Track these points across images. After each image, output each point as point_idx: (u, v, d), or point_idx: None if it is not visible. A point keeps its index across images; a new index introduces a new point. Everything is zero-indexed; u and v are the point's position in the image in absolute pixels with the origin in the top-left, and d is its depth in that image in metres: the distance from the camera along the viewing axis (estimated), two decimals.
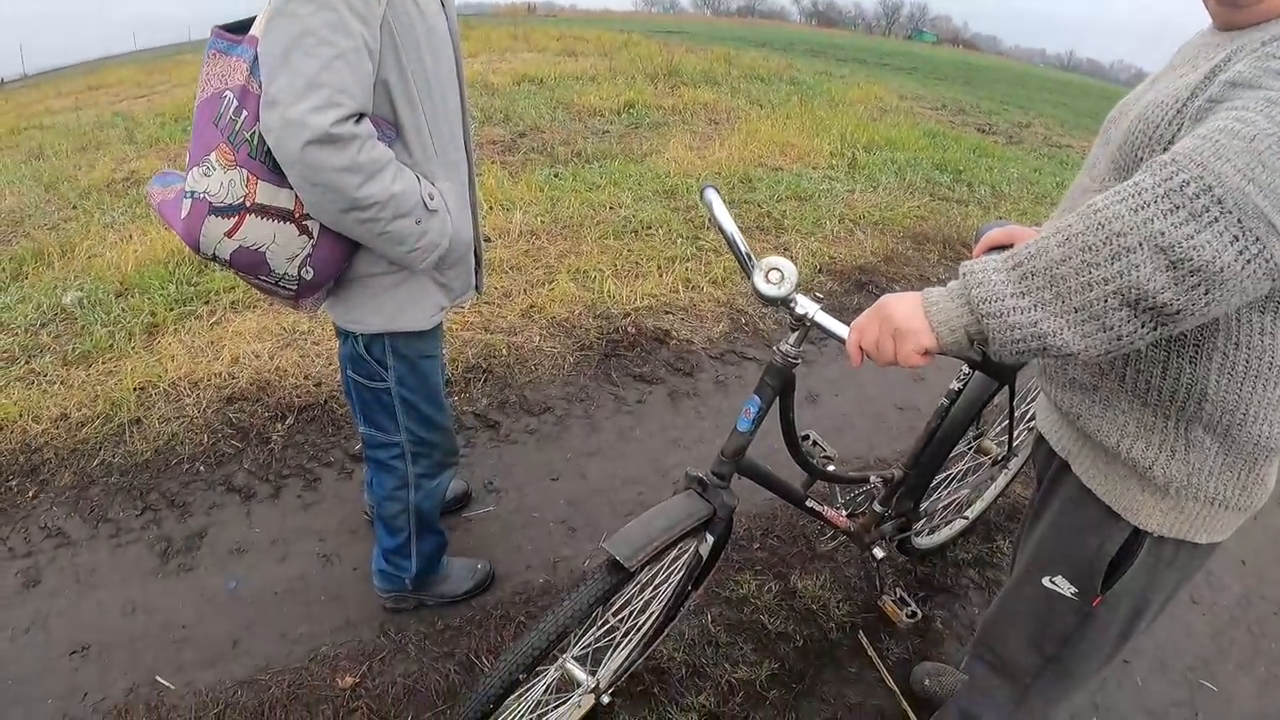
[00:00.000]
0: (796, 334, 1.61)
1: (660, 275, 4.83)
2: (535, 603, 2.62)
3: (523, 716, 1.91)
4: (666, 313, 4.45)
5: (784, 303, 1.53)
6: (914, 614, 2.41)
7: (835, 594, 2.75)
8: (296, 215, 1.69)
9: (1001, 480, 3.04)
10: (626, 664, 2.16)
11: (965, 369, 2.20)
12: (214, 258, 1.73)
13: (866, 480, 2.30)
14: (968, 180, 7.61)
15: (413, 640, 2.47)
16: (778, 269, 1.53)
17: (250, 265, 1.74)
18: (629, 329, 4.22)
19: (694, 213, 5.80)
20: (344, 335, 2.06)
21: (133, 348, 3.81)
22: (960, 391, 2.25)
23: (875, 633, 2.65)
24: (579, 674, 1.98)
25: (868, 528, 2.39)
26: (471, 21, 25.47)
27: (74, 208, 5.80)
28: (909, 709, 2.39)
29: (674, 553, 1.83)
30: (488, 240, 5.08)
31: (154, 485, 3.04)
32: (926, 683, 2.41)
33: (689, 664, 2.44)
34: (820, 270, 5.22)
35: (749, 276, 1.57)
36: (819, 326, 1.50)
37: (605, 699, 2.17)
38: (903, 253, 5.63)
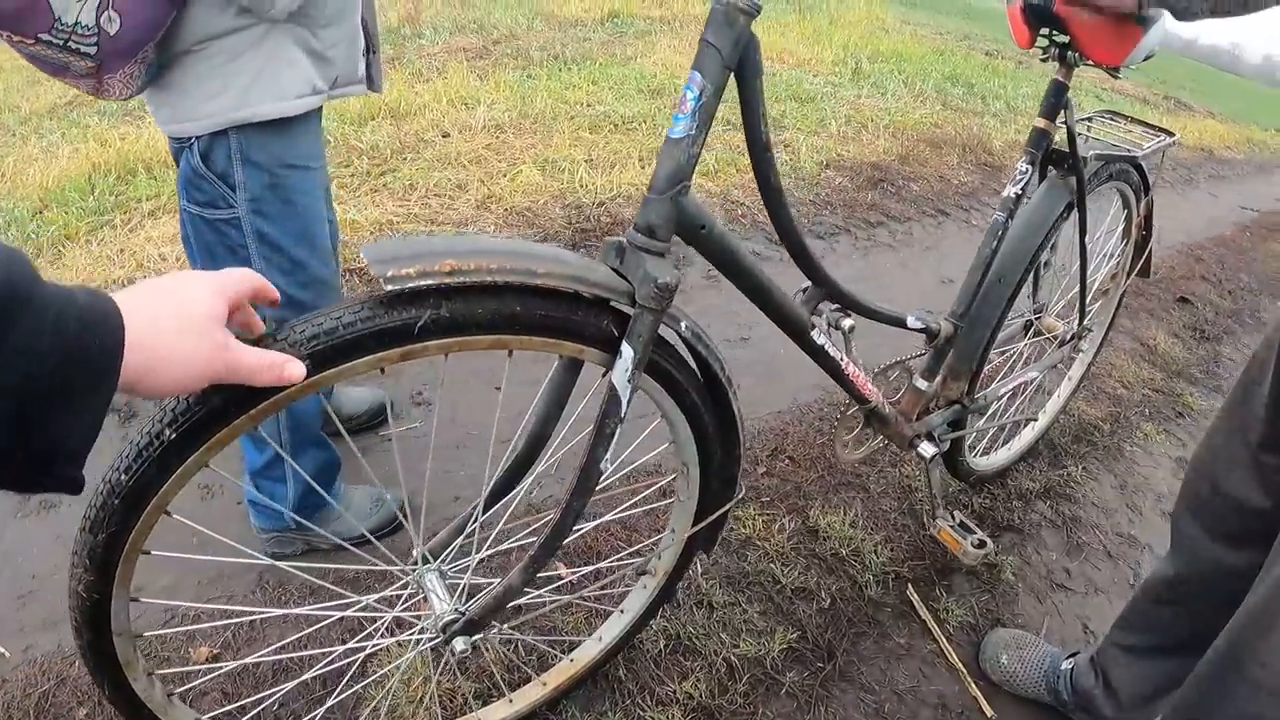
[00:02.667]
0: None
1: (642, 166, 4.23)
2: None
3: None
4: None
5: None
6: (981, 543, 1.83)
7: (871, 534, 2.15)
8: None
9: (1077, 369, 2.47)
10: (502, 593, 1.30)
11: (1023, 166, 1.72)
12: None
13: (901, 321, 1.66)
14: (981, 94, 7.13)
15: (293, 597, 1.84)
16: None
17: (22, 9, 1.14)
18: (602, 217, 3.60)
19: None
20: (177, 151, 1.45)
21: (40, 262, 3.23)
22: (1018, 201, 1.71)
23: (928, 586, 2.04)
24: (438, 600, 1.29)
25: (909, 414, 1.79)
26: None
27: (13, 134, 5.25)
28: (979, 696, 1.80)
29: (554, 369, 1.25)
30: (445, 135, 4.52)
31: None
32: (1003, 659, 1.86)
33: (670, 635, 1.81)
34: (827, 166, 4.69)
35: None
36: None
37: (462, 646, 1.27)
38: (919, 154, 5.11)
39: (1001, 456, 2.39)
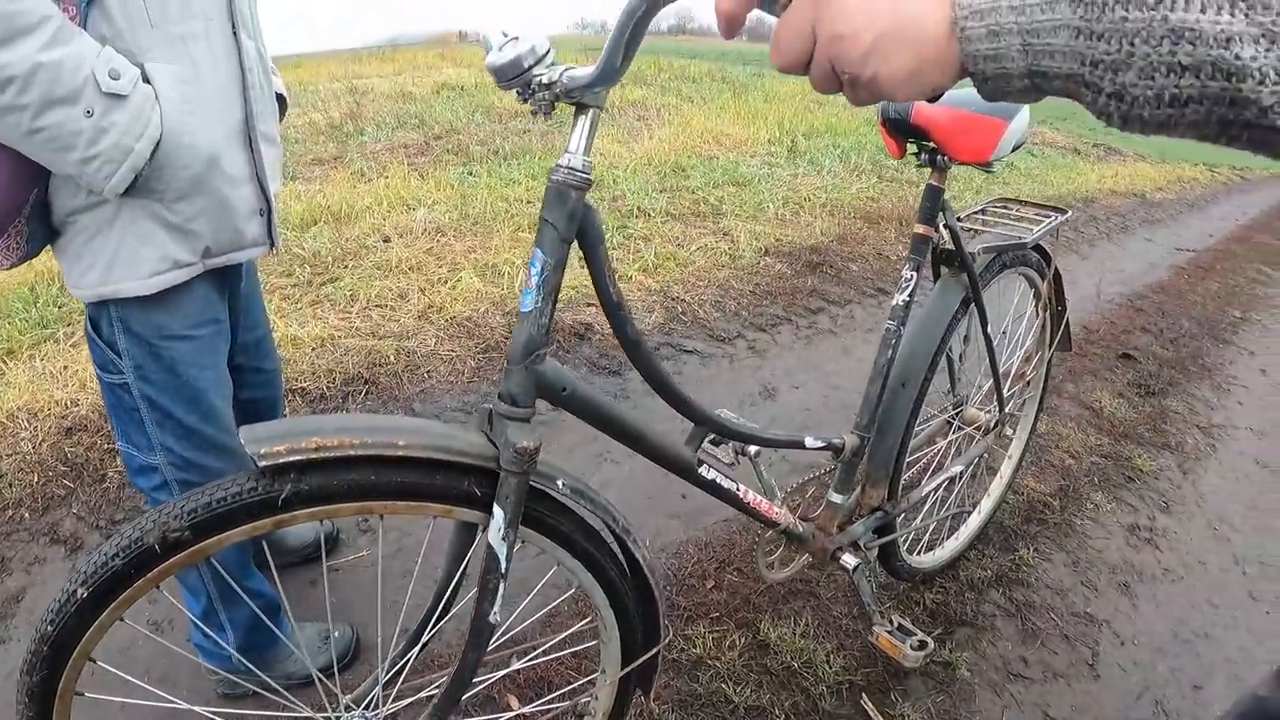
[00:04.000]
0: (578, 128, 1.03)
1: (582, 265, 4.17)
2: (423, 672, 1.92)
3: None
4: (589, 305, 3.83)
5: (519, 76, 1.00)
6: (922, 644, 1.81)
7: (823, 643, 2.11)
8: None
9: (1007, 466, 2.46)
10: None
11: (909, 274, 1.71)
12: None
13: (798, 444, 1.63)
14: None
15: None
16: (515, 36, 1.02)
17: None
18: None
19: (620, 202, 5.28)
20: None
21: None
22: (907, 307, 1.72)
23: (882, 692, 2.01)
24: None
25: (828, 529, 1.77)
26: (400, 45, 24.97)
27: None
28: None
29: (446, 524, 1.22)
30: (386, 240, 4.52)
31: None
32: None
33: None
34: (766, 253, 4.74)
35: None
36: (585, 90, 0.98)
37: None
38: (856, 232, 5.18)
39: (949, 549, 2.37)
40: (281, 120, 1.74)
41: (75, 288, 1.38)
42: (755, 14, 0.70)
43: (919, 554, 2.27)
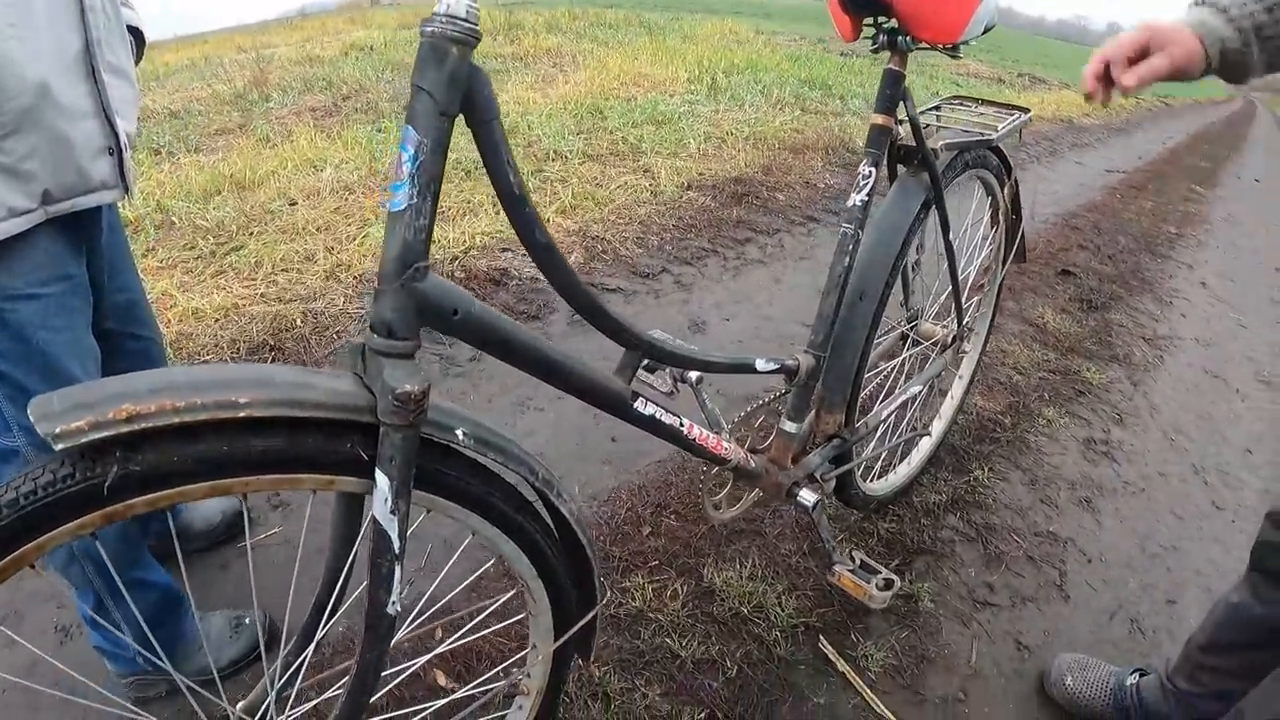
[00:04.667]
0: None
1: (497, 212, 4.00)
2: (336, 660, 1.73)
3: None
4: (504, 250, 3.61)
5: None
6: (888, 583, 1.66)
7: (773, 584, 1.94)
8: None
9: (958, 385, 2.32)
10: None
11: (866, 170, 1.51)
12: None
13: (748, 367, 1.42)
14: (839, 94, 7.14)
15: None
16: None
17: None
18: (456, 273, 3.37)
19: (535, 147, 5.04)
20: None
21: None
22: (865, 208, 1.52)
23: (841, 633, 1.85)
24: None
25: (781, 462, 1.59)
26: (309, 13, 24.40)
27: None
28: None
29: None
30: (292, 204, 4.25)
31: None
32: (1068, 681, 1.79)
33: None
34: (689, 187, 4.56)
35: None
36: None
37: None
38: (782, 162, 5.03)
39: (901, 474, 2.21)
40: (140, 59, 1.53)
41: None
42: None
43: (871, 481, 2.11)
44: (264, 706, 1.10)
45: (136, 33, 1.51)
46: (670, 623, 1.82)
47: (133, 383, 0.76)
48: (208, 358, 2.85)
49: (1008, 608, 2.01)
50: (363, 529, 1.01)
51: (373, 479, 0.86)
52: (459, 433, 0.92)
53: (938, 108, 1.87)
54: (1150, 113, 11.16)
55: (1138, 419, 2.95)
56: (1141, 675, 1.72)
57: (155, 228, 3.75)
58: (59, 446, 0.71)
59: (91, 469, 0.75)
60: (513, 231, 0.97)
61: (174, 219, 3.85)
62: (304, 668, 1.10)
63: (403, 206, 0.81)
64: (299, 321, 3.07)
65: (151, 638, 1.29)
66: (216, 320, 3.08)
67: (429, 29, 0.78)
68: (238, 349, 2.91)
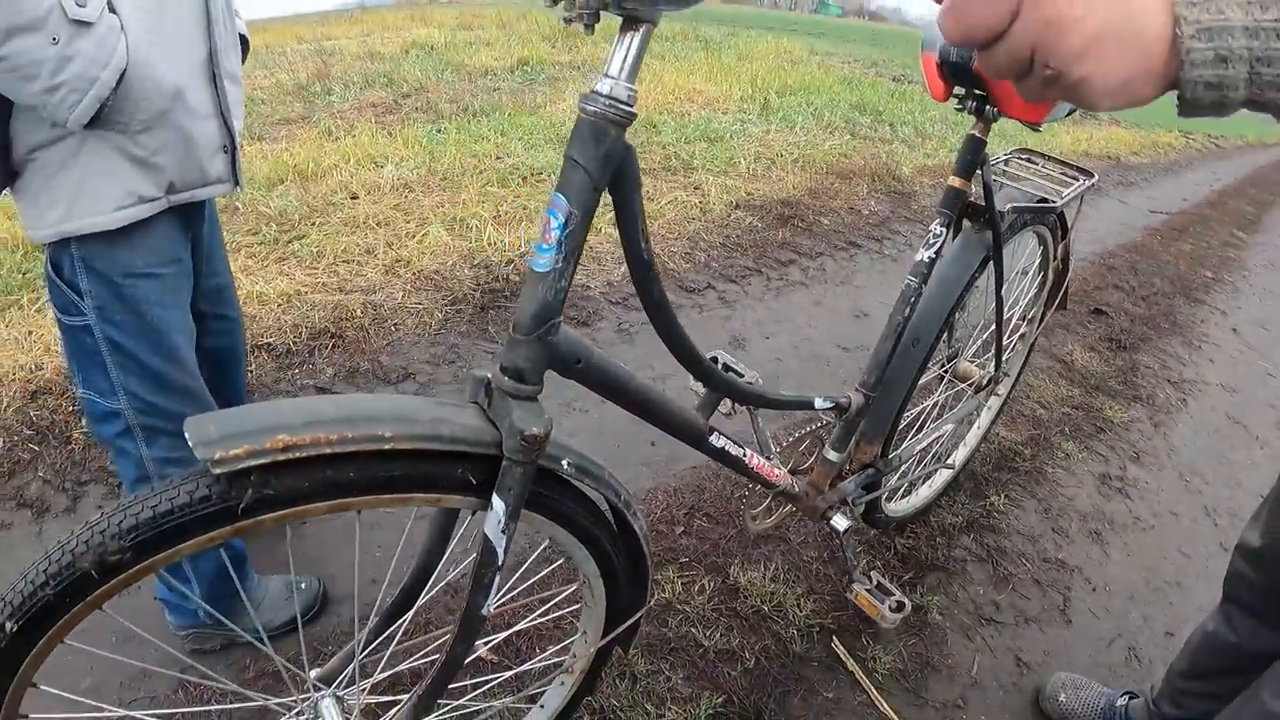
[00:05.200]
0: (623, 46, 0.84)
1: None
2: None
3: None
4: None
5: None
6: (900, 605, 1.78)
7: (793, 587, 2.08)
8: None
9: (985, 416, 2.43)
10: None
11: (938, 229, 1.61)
12: None
13: (808, 404, 1.57)
14: (889, 120, 7.20)
15: (214, 696, 1.73)
16: None
17: None
18: (511, 276, 3.53)
19: None
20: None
21: None
22: (931, 265, 1.62)
23: (853, 636, 1.99)
24: None
25: (820, 486, 1.73)
26: (369, 7, 24.68)
27: None
28: None
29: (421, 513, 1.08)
30: (354, 197, 4.42)
31: None
32: (1061, 698, 1.90)
33: (594, 709, 1.73)
34: (737, 206, 4.69)
35: None
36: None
37: None
38: (829, 186, 5.14)
39: (922, 496, 2.34)
40: (244, 63, 1.69)
41: (35, 229, 1.32)
42: None
43: (893, 502, 2.24)
44: (343, 675, 1.25)
45: (242, 39, 1.68)
46: (696, 614, 1.97)
47: (284, 413, 0.84)
48: (271, 340, 3.02)
49: (1011, 626, 2.14)
50: (455, 536, 1.17)
51: (484, 499, 0.98)
52: (564, 463, 1.05)
53: (1006, 160, 1.94)
54: (1200, 153, 11.12)
55: (1155, 459, 3.05)
56: (1131, 698, 1.84)
57: (220, 211, 3.93)
58: (217, 471, 0.79)
59: (228, 492, 0.83)
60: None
61: (238, 204, 4.04)
62: (391, 645, 1.25)
63: (547, 270, 0.89)
64: (359, 312, 3.24)
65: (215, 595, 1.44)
66: (279, 305, 3.25)
67: (590, 109, 0.84)
68: (300, 333, 3.08)
